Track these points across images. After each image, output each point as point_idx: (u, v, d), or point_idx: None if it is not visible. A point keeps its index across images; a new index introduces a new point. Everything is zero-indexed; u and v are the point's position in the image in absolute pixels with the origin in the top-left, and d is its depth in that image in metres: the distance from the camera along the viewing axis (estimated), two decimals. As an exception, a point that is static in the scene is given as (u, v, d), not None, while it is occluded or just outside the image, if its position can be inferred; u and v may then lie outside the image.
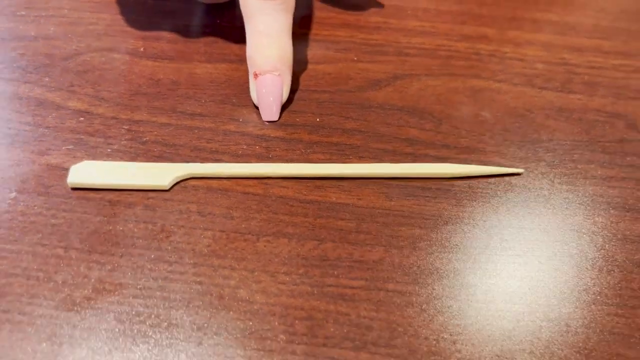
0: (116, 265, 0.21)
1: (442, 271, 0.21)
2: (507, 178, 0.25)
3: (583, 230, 0.23)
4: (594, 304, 0.21)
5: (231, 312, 0.20)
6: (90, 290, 0.20)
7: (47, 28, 0.30)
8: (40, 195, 0.23)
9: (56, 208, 0.22)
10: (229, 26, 0.31)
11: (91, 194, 0.23)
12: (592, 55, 0.31)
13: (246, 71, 0.28)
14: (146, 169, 0.24)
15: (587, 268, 0.22)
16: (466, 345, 0.19)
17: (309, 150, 0.25)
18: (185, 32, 0.31)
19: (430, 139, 0.26)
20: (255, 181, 0.24)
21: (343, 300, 0.20)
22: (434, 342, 0.19)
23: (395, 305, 0.20)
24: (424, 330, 0.20)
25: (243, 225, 0.22)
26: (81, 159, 0.24)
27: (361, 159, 0.25)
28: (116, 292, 0.20)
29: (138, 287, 0.20)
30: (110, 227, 0.22)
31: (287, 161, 0.25)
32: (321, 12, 0.33)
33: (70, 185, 0.23)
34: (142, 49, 0.30)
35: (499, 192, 0.24)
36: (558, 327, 0.20)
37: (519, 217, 0.23)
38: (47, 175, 0.23)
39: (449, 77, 0.29)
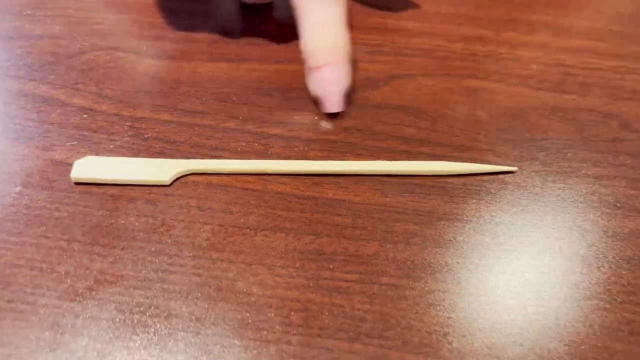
0: (117, 257, 0.21)
1: (434, 266, 0.22)
2: (500, 176, 0.25)
3: (574, 227, 0.23)
4: (583, 298, 0.21)
5: (229, 304, 0.20)
6: (92, 281, 0.21)
7: (53, 27, 0.31)
8: (45, 190, 0.23)
9: (60, 202, 0.23)
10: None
11: (94, 189, 0.24)
12: (587, 56, 0.31)
13: (246, 70, 0.29)
14: (148, 164, 0.24)
15: (577, 264, 0.22)
16: (457, 337, 0.20)
17: (306, 148, 0.26)
18: (187, 32, 0.31)
19: (426, 137, 0.26)
20: (254, 177, 0.24)
21: (338, 293, 0.21)
22: (426, 334, 0.20)
23: (388, 298, 0.21)
24: (416, 323, 0.20)
25: (241, 220, 0.23)
26: (84, 154, 0.25)
27: (358, 156, 0.25)
28: (117, 283, 0.21)
29: (138, 278, 0.21)
30: (112, 221, 0.22)
31: (285, 158, 0.25)
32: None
33: (73, 180, 0.24)
34: (145, 48, 0.30)
35: (492, 190, 0.24)
36: (548, 321, 0.20)
37: (511, 214, 0.24)
38: (51, 170, 0.24)
39: (445, 77, 0.30)
